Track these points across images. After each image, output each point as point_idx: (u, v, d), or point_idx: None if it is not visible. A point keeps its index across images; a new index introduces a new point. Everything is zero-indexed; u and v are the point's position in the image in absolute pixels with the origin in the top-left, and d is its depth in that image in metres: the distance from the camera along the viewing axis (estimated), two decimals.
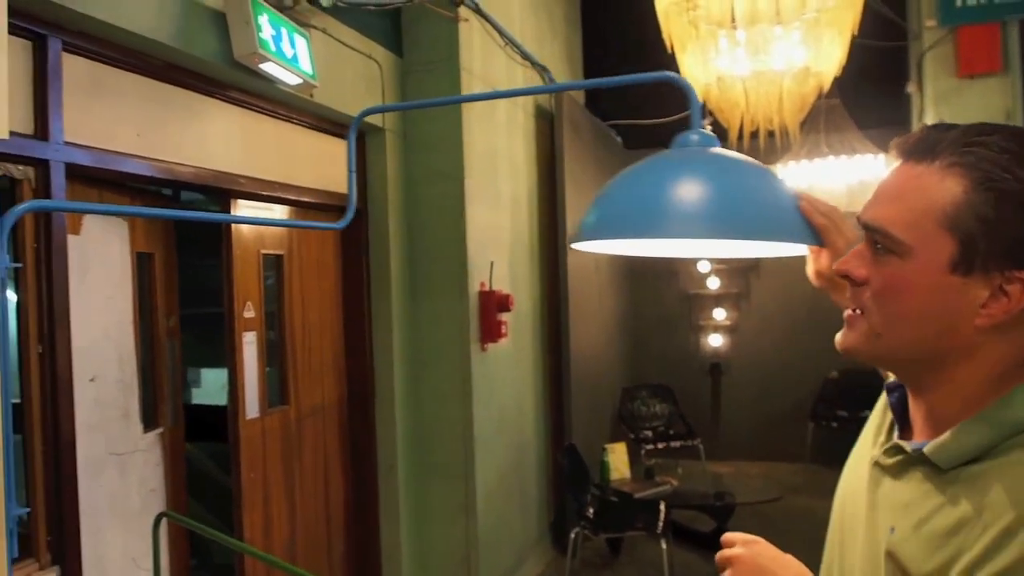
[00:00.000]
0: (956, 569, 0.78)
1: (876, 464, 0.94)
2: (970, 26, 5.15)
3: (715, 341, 7.11)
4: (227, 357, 2.92)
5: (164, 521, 2.50)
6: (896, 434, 0.95)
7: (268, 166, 3.03)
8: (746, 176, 0.99)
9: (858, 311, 0.90)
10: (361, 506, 3.73)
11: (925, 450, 0.86)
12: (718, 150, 1.01)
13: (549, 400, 5.18)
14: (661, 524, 4.35)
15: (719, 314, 7.10)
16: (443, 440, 3.90)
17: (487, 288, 3.98)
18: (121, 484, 2.53)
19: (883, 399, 1.03)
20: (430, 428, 3.91)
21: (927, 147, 0.85)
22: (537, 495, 4.93)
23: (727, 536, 1.03)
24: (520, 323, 4.59)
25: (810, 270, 1.17)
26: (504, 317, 4.05)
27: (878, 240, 0.87)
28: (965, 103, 5.21)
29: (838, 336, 0.94)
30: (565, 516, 5.11)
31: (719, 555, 1.01)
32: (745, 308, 7.18)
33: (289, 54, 2.65)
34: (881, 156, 4.85)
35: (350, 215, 1.52)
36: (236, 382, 2.93)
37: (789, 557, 1.00)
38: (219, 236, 2.93)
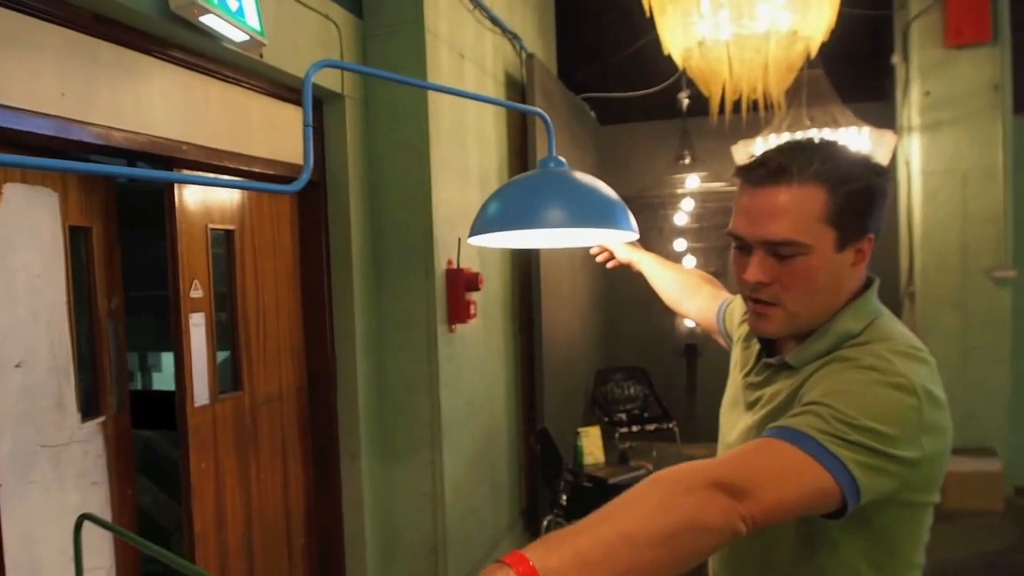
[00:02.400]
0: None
1: (749, 385, 1.32)
2: None
3: (690, 322, 6.97)
4: (173, 340, 2.69)
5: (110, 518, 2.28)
6: (762, 360, 1.30)
7: (215, 133, 2.79)
8: (590, 186, 1.38)
9: (769, 304, 1.20)
10: (322, 496, 3.54)
11: (787, 358, 1.23)
12: (569, 171, 1.42)
13: (520, 383, 5.00)
14: None
15: None
16: (409, 426, 3.71)
17: (454, 266, 3.78)
18: (55, 479, 2.31)
19: (740, 349, 1.43)
20: (395, 413, 3.71)
21: (780, 172, 1.15)
22: (508, 481, 4.76)
23: None
24: (490, 303, 4.40)
25: (615, 254, 2.04)
26: (473, 297, 3.86)
27: (784, 251, 1.15)
28: (952, 74, 5.07)
29: (755, 325, 1.25)
30: (537, 502, 4.96)
31: None
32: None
33: (234, 7, 2.42)
34: (866, 129, 4.69)
35: (305, 177, 1.32)
36: (183, 367, 2.71)
37: None
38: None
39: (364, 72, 1.45)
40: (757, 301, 1.21)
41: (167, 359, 5.76)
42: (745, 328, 1.45)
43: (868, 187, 1.15)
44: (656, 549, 0.89)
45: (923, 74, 5.18)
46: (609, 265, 2.09)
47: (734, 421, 1.36)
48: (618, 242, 1.97)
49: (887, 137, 4.95)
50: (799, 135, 4.61)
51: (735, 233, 1.21)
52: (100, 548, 2.48)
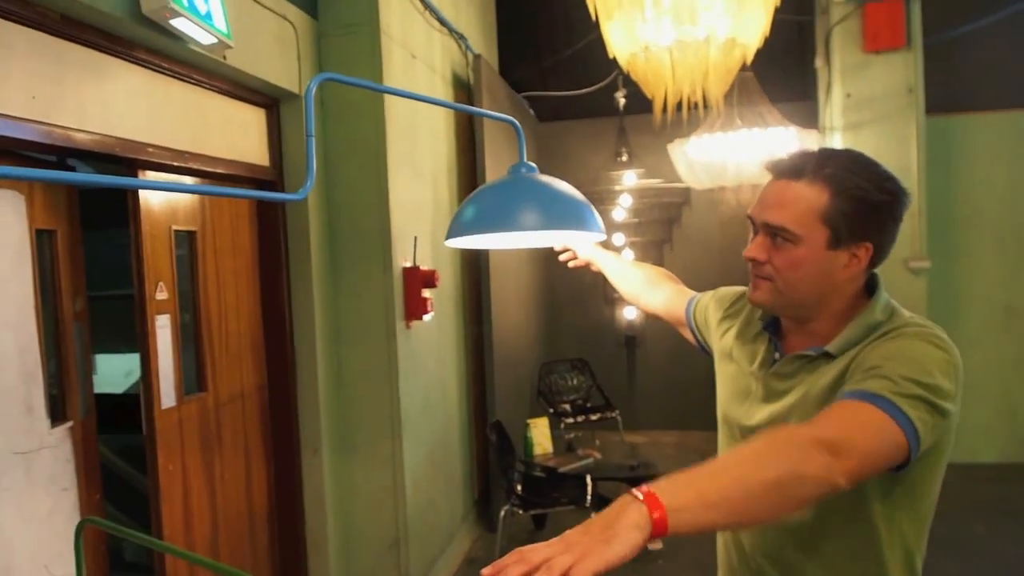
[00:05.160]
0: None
1: (773, 376, 1.40)
2: (875, 2, 5.32)
3: (630, 314, 7.18)
4: (139, 342, 2.68)
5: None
6: (779, 354, 1.42)
7: (178, 134, 2.79)
8: (561, 190, 1.48)
9: (763, 278, 1.35)
10: (284, 495, 3.56)
11: (828, 348, 1.33)
12: (539, 175, 1.51)
13: (471, 376, 5.09)
14: (589, 498, 4.35)
15: None
16: (369, 421, 3.75)
17: (410, 264, 3.84)
18: (27, 485, 2.29)
19: (737, 345, 1.52)
20: (355, 410, 3.75)
21: (797, 169, 1.31)
22: (462, 473, 4.85)
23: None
24: (443, 299, 4.47)
25: (577, 254, 2.06)
26: (429, 293, 3.92)
27: (778, 234, 1.30)
28: (870, 77, 5.38)
29: (750, 293, 1.39)
30: (490, 492, 5.06)
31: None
32: None
33: (203, 10, 2.43)
34: (792, 129, 4.94)
35: (310, 184, 1.39)
36: (149, 369, 2.70)
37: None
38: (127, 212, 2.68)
39: (360, 85, 1.50)
40: (756, 275, 1.37)
41: (105, 361, 5.61)
42: (733, 324, 1.58)
43: (869, 199, 1.27)
44: (766, 494, 1.03)
45: (844, 77, 5.48)
46: (571, 264, 2.12)
47: (750, 412, 1.44)
48: (583, 242, 2.05)
49: (811, 136, 5.23)
50: (731, 134, 4.83)
51: (749, 215, 1.37)
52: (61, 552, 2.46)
